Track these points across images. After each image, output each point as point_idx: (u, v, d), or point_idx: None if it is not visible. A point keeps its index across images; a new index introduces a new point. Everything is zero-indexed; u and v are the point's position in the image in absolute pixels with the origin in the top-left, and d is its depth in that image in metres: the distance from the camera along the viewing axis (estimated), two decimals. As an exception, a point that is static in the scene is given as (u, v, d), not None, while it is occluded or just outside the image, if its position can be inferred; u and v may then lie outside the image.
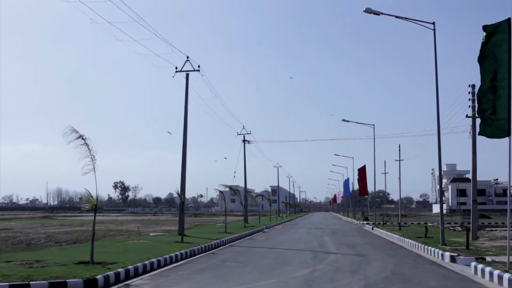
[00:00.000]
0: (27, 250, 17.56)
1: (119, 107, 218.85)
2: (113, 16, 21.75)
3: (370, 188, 53.56)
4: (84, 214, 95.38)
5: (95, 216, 13.28)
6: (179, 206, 24.03)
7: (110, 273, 11.08)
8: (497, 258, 14.25)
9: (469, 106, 23.59)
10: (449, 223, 41.45)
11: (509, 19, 11.51)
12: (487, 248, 18.17)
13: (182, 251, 16.36)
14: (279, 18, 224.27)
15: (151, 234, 26.69)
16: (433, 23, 19.99)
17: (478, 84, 23.28)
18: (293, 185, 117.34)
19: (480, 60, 12.07)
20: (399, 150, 40.20)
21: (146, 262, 13.24)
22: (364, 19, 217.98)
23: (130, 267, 12.15)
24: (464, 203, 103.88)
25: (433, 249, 17.38)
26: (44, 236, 26.52)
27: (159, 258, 14.25)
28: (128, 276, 11.77)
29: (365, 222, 47.79)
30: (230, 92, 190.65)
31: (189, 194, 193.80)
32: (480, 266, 12.29)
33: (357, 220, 56.84)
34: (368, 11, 20.24)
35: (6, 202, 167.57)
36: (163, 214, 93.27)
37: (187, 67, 26.08)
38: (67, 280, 9.93)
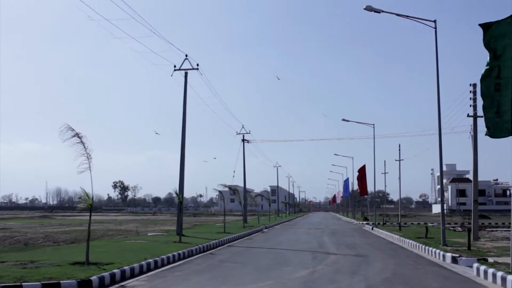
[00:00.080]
0: (24, 250, 17.38)
1: (119, 107, 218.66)
2: (111, 14, 21.48)
3: (370, 188, 53.43)
4: (83, 213, 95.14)
5: (90, 216, 13.06)
6: (177, 205, 23.80)
7: (105, 274, 10.85)
8: (499, 259, 14.03)
9: (470, 106, 23.37)
10: (449, 224, 41.24)
11: None
12: (488, 249, 17.95)
13: (180, 252, 16.13)
14: (279, 18, 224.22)
15: (149, 234, 26.48)
16: (434, 21, 19.79)
17: (479, 83, 23.18)
18: (293, 185, 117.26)
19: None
20: (399, 149, 40.00)
21: (143, 262, 13.01)
22: (364, 19, 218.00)
23: (126, 267, 11.92)
24: (464, 203, 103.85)
25: (434, 249, 17.17)
26: (42, 236, 26.35)
27: (156, 258, 14.02)
28: (124, 277, 11.54)
29: (364, 222, 47.58)
30: (230, 92, 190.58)
31: (188, 194, 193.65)
32: (482, 267, 12.07)
33: (356, 220, 56.63)
34: (369, 8, 20.03)
35: (5, 201, 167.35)
36: (162, 213, 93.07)
37: (186, 65, 25.89)
38: (60, 281, 9.70)
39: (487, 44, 11.58)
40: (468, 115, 23.28)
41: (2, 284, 9.19)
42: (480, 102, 23.57)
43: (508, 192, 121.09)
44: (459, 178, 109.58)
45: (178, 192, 23.67)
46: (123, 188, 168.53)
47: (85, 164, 12.48)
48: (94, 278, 10.28)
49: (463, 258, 14.70)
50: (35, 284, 9.42)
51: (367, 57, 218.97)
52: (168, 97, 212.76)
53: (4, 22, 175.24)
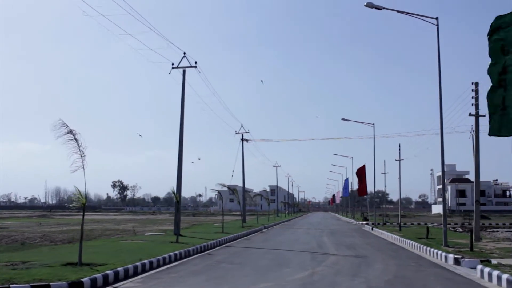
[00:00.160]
0: (20, 250, 17.14)
1: (119, 107, 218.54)
2: (108, 10, 21.17)
3: (370, 188, 53.07)
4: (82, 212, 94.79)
5: (83, 215, 12.71)
6: (177, 205, 23.45)
7: (98, 275, 10.50)
8: (503, 261, 13.70)
9: (472, 105, 23.05)
10: (449, 224, 40.86)
11: None
12: (491, 250, 17.61)
13: (176, 252, 15.78)
14: (279, 18, 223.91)
15: (146, 234, 26.13)
16: (436, 18, 19.46)
17: (481, 82, 22.85)
18: (292, 185, 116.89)
19: (490, 53, 11.46)
20: (399, 149, 39.67)
21: (138, 263, 12.66)
22: (364, 19, 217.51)
23: (119, 268, 11.56)
24: (464, 204, 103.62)
25: (435, 250, 16.83)
26: (39, 235, 26.07)
27: (152, 259, 13.67)
28: (117, 279, 11.19)
29: (364, 223, 47.24)
30: (229, 92, 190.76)
31: (188, 194, 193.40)
32: (486, 269, 11.72)
33: (356, 220, 56.30)
34: (370, 5, 19.68)
35: (4, 201, 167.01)
36: (161, 213, 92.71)
37: (184, 63, 25.56)
38: (50, 283, 9.35)
39: (494, 40, 11.24)
40: (470, 114, 22.96)
41: (-11, 286, 8.86)
42: (482, 100, 23.42)
43: (508, 193, 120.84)
44: (458, 179, 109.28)
45: (175, 192, 23.28)
46: (122, 188, 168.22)
47: (78, 162, 12.12)
48: (85, 279, 9.93)
49: (466, 259, 14.36)
50: (24, 286, 9.06)
51: (367, 57, 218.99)
52: (168, 96, 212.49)
53: (4, 22, 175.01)
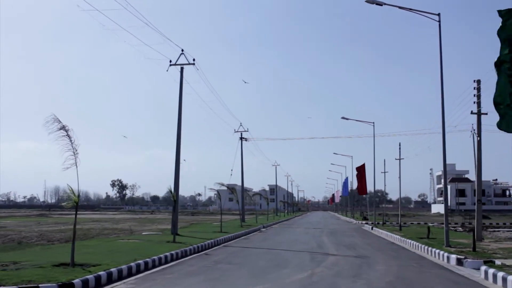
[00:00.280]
0: (17, 249, 16.84)
1: (118, 106, 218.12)
2: (103, 5, 20.73)
3: (370, 187, 52.68)
4: (81, 212, 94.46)
5: (76, 214, 12.35)
6: (174, 204, 23.10)
7: (90, 276, 10.15)
8: (507, 262, 13.35)
9: (474, 102, 22.68)
10: (449, 224, 40.56)
11: None
12: (494, 250, 17.25)
13: (173, 252, 15.44)
14: (279, 18, 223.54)
15: (143, 233, 25.77)
16: (438, 14, 19.13)
17: (483, 80, 22.49)
18: (291, 184, 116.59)
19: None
20: (399, 148, 39.20)
21: (132, 264, 12.31)
22: (364, 19, 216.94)
23: (113, 269, 11.22)
24: (463, 203, 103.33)
25: (437, 251, 16.48)
26: (36, 234, 25.76)
27: (147, 259, 13.32)
28: (110, 280, 10.84)
29: (364, 222, 46.91)
30: (230, 91, 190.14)
31: (187, 193, 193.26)
32: (491, 270, 11.38)
33: (355, 219, 55.97)
34: (371, 1, 19.32)
35: (3, 200, 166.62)
36: (160, 212, 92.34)
37: (182, 60, 25.22)
38: (39, 285, 9.01)
39: (505, 32, 10.85)
40: (472, 112, 22.59)
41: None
42: (483, 98, 23.04)
43: (507, 192, 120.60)
44: (458, 178, 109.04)
45: (173, 190, 22.94)
46: (122, 187, 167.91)
47: (71, 160, 11.76)
48: (76, 281, 9.58)
49: (469, 260, 14.02)
50: (12, 288, 8.73)
51: (367, 57, 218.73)
52: (167, 95, 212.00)
53: (4, 22, 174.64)
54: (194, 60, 25.42)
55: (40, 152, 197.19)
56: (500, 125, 11.40)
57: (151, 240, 20.04)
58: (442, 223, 43.45)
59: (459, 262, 14.21)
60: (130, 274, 11.87)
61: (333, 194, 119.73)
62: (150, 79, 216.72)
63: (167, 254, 14.91)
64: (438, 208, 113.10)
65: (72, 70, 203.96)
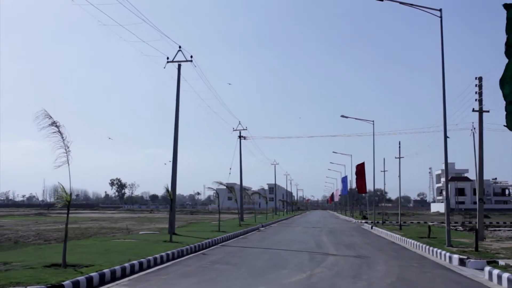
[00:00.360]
0: (13, 249, 16.54)
1: (117, 105, 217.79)
2: (99, 0, 20.37)
3: (369, 186, 52.35)
4: (80, 211, 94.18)
5: (68, 214, 11.98)
6: (171, 203, 22.72)
7: (81, 278, 9.81)
8: (511, 262, 13.03)
9: (476, 100, 22.35)
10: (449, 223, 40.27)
11: None
12: (496, 250, 16.92)
13: (169, 252, 15.10)
14: (279, 18, 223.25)
15: (140, 232, 25.43)
16: (440, 10, 18.83)
17: (485, 77, 22.15)
18: (291, 183, 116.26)
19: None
20: (399, 147, 38.89)
21: (126, 264, 11.96)
22: (364, 19, 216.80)
23: (106, 270, 10.87)
24: (463, 202, 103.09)
25: (439, 250, 16.15)
26: (33, 233, 25.46)
27: (142, 259, 12.98)
28: (103, 281, 10.50)
29: (363, 221, 46.59)
30: (230, 91, 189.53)
31: (186, 192, 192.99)
32: (495, 271, 11.04)
33: (355, 218, 55.66)
34: (371, -4, 18.97)
35: (2, 199, 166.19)
36: (159, 211, 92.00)
37: (180, 57, 24.87)
38: (27, 287, 8.66)
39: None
40: (473, 110, 22.25)
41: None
42: (485, 96, 22.73)
43: (507, 191, 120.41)
44: (457, 177, 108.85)
45: (170, 189, 22.56)
46: (121, 186, 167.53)
47: (63, 158, 11.41)
48: (67, 283, 9.24)
49: (472, 260, 13.69)
50: (-2, 291, 8.40)
51: (367, 57, 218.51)
52: (167, 95, 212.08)
53: (4, 22, 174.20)
54: (191, 57, 25.08)
55: (40, 151, 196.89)
56: (506, 121, 10.99)
57: (148, 240, 19.70)
58: (442, 222, 43.21)
59: (462, 262, 13.89)
60: (124, 275, 11.53)
61: (332, 193, 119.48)
62: (150, 78, 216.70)
63: (163, 254, 14.57)
64: (437, 207, 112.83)
65: (72, 70, 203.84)
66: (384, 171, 44.69)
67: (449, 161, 18.79)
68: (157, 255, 14.13)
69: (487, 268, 11.66)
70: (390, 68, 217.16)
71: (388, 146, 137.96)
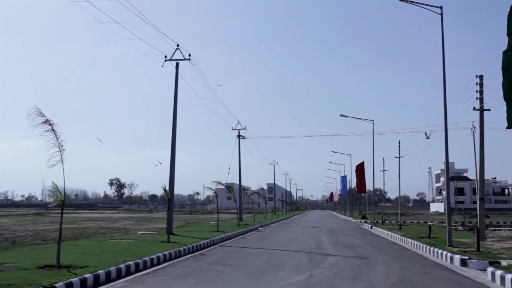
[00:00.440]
0: (10, 249, 16.28)
1: (116, 105, 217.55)
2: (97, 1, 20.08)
3: (369, 186, 52.13)
4: (79, 211, 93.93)
5: (62, 214, 11.74)
6: (169, 203, 22.45)
7: (74, 279, 9.56)
8: (513, 262, 12.80)
9: (477, 98, 22.13)
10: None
11: None
12: (498, 250, 16.70)
13: (166, 252, 14.86)
14: (279, 18, 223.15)
15: (138, 232, 25.19)
16: (441, 7, 18.60)
17: (486, 75, 21.91)
18: (290, 183, 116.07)
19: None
20: (399, 146, 38.68)
21: (121, 265, 11.72)
22: (364, 19, 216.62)
23: (100, 271, 10.63)
24: (462, 202, 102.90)
25: (440, 251, 15.92)
26: (31, 234, 25.23)
27: (138, 260, 12.74)
28: (97, 283, 10.26)
29: (363, 221, 46.36)
30: (230, 91, 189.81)
31: (185, 192, 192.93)
32: (498, 272, 10.81)
33: (354, 218, 55.44)
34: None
35: (1, 198, 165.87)
36: (158, 211, 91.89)
37: (178, 56, 24.62)
38: (18, 289, 8.44)
39: None
40: (474, 108, 22.03)
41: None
42: (486, 94, 22.50)
43: (506, 191, 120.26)
44: (457, 177, 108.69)
45: (168, 188, 22.31)
46: (120, 186, 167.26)
47: (57, 156, 11.16)
48: (59, 284, 8.99)
49: (474, 260, 13.47)
50: (-12, 293, 8.16)
51: (367, 57, 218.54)
52: (166, 95, 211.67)
53: (4, 22, 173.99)
54: (189, 55, 24.83)
55: (39, 151, 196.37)
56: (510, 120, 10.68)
57: (145, 240, 19.46)
58: (442, 222, 43.02)
59: (463, 262, 13.66)
60: (119, 276, 11.29)
61: (332, 193, 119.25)
62: (149, 78, 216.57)
63: (160, 254, 14.34)
64: (437, 207, 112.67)
65: (72, 70, 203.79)
66: (383, 170, 44.49)
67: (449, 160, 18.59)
68: (154, 256, 13.89)
69: (490, 269, 11.43)
70: (390, 68, 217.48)
71: (387, 145, 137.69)
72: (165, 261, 14.37)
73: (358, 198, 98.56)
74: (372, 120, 40.40)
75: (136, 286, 10.26)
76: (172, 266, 13.50)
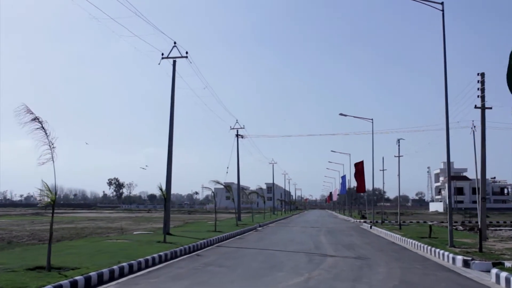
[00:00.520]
0: (6, 249, 15.87)
1: (116, 105, 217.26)
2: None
3: (368, 185, 51.82)
4: (77, 210, 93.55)
5: (53, 214, 11.37)
6: (165, 202, 22.09)
7: (64, 282, 9.21)
8: (517, 263, 12.48)
9: (478, 96, 21.76)
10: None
11: None
12: (500, 250, 16.37)
13: (161, 253, 14.50)
14: (279, 18, 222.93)
15: (134, 232, 24.83)
16: (442, 3, 18.28)
17: (487, 73, 21.57)
18: (289, 182, 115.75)
19: None
20: (398, 145, 38.32)
21: (115, 267, 11.36)
22: (364, 19, 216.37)
23: (92, 273, 10.27)
24: (461, 201, 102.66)
25: (442, 251, 15.58)
26: (27, 234, 24.89)
27: (132, 261, 12.38)
28: (89, 285, 9.90)
29: (362, 221, 46.05)
30: (230, 91, 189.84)
31: (184, 191, 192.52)
32: (503, 274, 10.46)
33: (353, 218, 55.14)
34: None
35: (0, 198, 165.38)
36: (157, 211, 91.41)
37: (175, 53, 24.29)
38: (4, 293, 8.09)
39: None
40: (475, 106, 21.66)
41: None
42: (487, 92, 22.16)
43: (506, 190, 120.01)
44: (456, 176, 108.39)
45: (164, 187, 21.96)
46: (118, 185, 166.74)
47: (47, 155, 10.81)
48: (48, 287, 8.64)
49: (477, 261, 13.14)
50: (-28, 297, 7.81)
51: (367, 57, 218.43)
52: (165, 94, 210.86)
53: (4, 22, 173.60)
54: (187, 53, 24.50)
55: (39, 151, 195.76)
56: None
57: (141, 240, 19.10)
58: (442, 222, 42.75)
59: (466, 263, 13.33)
60: (112, 278, 10.93)
61: (331, 193, 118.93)
62: (148, 77, 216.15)
63: (155, 255, 13.99)
64: (436, 207, 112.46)
65: (72, 70, 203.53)
66: (383, 170, 44.17)
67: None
68: (149, 257, 13.54)
69: (494, 271, 11.08)
70: (390, 68, 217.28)
71: (386, 145, 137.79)
72: (160, 262, 14.03)
73: (357, 198, 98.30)
74: (372, 119, 40.13)
75: (129, 288, 9.92)
76: (167, 267, 13.15)
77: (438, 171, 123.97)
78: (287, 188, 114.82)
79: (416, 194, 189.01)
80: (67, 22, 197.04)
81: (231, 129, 44.49)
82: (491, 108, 21.45)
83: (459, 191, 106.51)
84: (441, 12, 18.08)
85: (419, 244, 18.78)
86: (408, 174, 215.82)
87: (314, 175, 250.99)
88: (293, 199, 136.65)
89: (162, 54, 24.24)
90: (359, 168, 42.87)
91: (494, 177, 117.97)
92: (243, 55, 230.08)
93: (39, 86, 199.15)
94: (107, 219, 46.42)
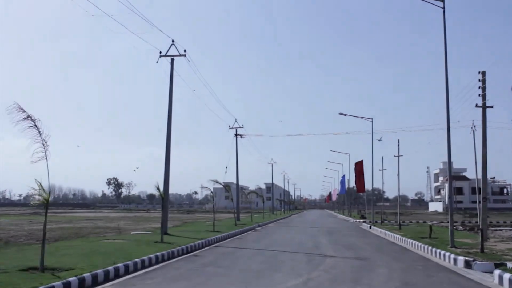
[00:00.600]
0: (3, 249, 15.61)
1: (115, 104, 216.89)
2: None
3: (367, 185, 51.62)
4: (76, 210, 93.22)
5: (46, 214, 11.12)
6: (163, 202, 21.84)
7: (57, 283, 8.98)
8: (520, 264, 12.26)
9: (479, 95, 21.54)
10: (448, 222, 39.49)
11: None
12: (502, 251, 16.14)
13: (158, 254, 14.27)
14: (278, 17, 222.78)
15: (132, 232, 24.59)
16: (443, 1, 18.07)
17: (488, 72, 21.34)
18: (288, 182, 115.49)
19: None
20: (398, 145, 38.15)
21: (110, 268, 11.13)
22: (364, 18, 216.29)
23: (86, 274, 10.04)
24: (461, 201, 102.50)
25: (443, 252, 15.36)
26: (25, 233, 24.63)
27: (127, 262, 12.15)
28: (83, 286, 9.67)
29: (361, 221, 45.85)
30: (230, 91, 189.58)
31: (183, 191, 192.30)
32: (507, 275, 10.23)
33: (353, 218, 54.94)
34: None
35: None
36: (156, 211, 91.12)
37: (173, 51, 24.07)
38: (-6, 295, 7.87)
39: None
40: (476, 105, 21.44)
41: None
42: (488, 91, 21.93)
43: (505, 190, 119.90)
44: (456, 176, 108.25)
45: (162, 187, 21.77)
46: (117, 185, 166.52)
47: (40, 153, 10.58)
48: (40, 289, 8.42)
49: (479, 262, 12.93)
50: (-39, 299, 7.58)
51: (367, 57, 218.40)
52: (165, 94, 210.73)
53: (4, 22, 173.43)
54: (185, 51, 24.27)
55: (32, 148, 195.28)
56: None
57: (138, 240, 18.87)
58: (441, 222, 42.50)
59: (468, 264, 13.12)
60: (107, 279, 10.70)
61: (330, 193, 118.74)
62: (147, 77, 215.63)
63: (152, 256, 13.76)
64: (435, 207, 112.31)
65: (69, 66, 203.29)
66: (382, 169, 44.00)
67: (446, 160, 18.05)
68: (145, 257, 13.31)
69: (497, 272, 10.86)
70: (390, 68, 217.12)
71: (386, 145, 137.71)
72: (157, 262, 13.80)
73: (357, 198, 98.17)
74: (371, 119, 39.96)
75: (124, 290, 9.70)
76: (164, 268, 12.92)
77: (438, 171, 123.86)
78: (286, 188, 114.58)
79: (416, 194, 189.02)
80: (63, 20, 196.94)
81: (230, 128, 44.30)
82: (492, 107, 21.26)
83: (459, 191, 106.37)
84: (442, 10, 17.86)
85: (419, 244, 18.56)
86: (407, 174, 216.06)
87: (313, 175, 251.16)
88: (292, 199, 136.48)
89: (160, 52, 24.03)
90: (359, 168, 42.68)
91: (494, 177, 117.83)
92: (242, 54, 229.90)
93: (39, 86, 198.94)
94: (105, 219, 46.18)
